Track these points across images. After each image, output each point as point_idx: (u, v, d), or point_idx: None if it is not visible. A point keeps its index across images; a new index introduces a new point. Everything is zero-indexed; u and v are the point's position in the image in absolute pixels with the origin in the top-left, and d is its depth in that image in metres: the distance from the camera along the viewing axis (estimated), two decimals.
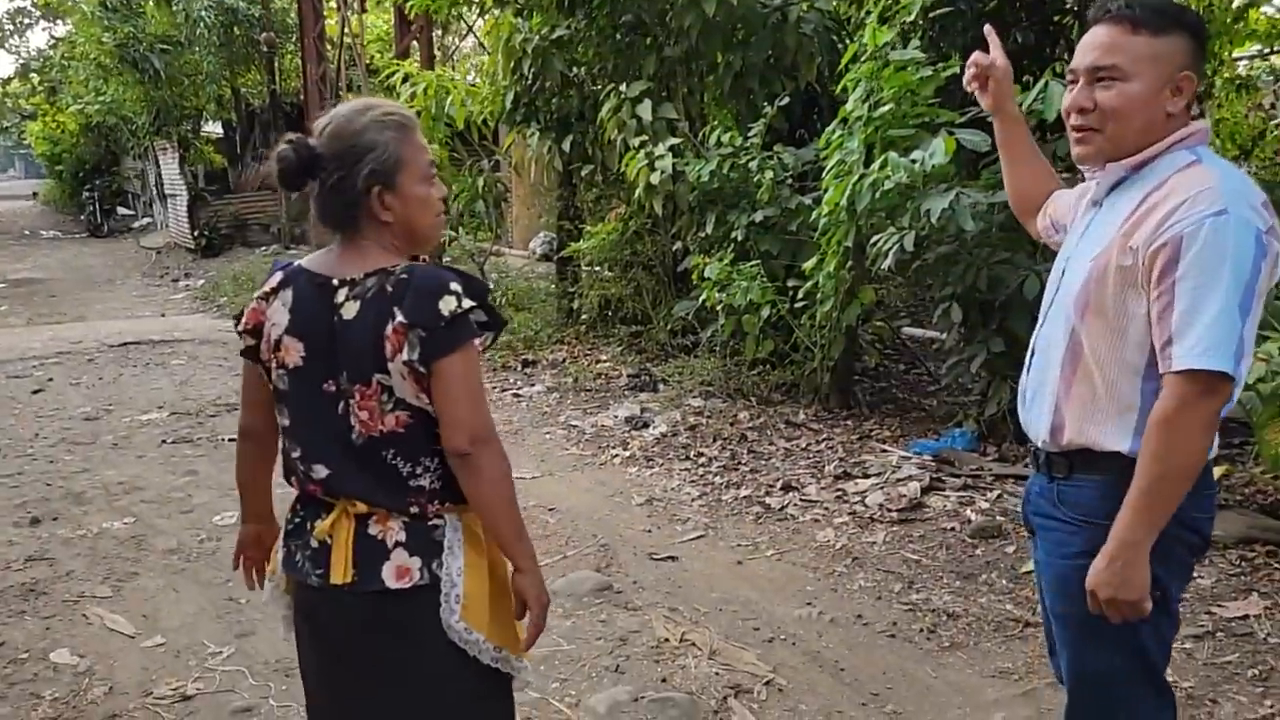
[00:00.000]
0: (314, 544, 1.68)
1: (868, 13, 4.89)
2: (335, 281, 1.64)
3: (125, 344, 9.01)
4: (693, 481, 4.87)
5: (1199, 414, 1.57)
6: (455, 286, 1.59)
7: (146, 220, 22.57)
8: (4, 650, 3.35)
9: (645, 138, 6.12)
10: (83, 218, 24.43)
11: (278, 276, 1.74)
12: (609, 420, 5.97)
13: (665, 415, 5.88)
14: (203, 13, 16.21)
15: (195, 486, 5.02)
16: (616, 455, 5.36)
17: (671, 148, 6.04)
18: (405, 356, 1.56)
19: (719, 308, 5.77)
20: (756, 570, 3.86)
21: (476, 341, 1.63)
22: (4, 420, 6.41)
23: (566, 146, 7.23)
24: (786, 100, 5.95)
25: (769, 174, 5.70)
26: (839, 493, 4.58)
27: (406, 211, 1.66)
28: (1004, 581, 3.64)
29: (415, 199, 1.67)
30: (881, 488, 4.53)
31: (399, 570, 1.62)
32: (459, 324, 1.57)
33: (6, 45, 30.88)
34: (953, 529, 4.11)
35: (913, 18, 4.73)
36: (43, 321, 10.92)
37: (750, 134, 5.95)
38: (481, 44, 13.11)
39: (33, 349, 8.85)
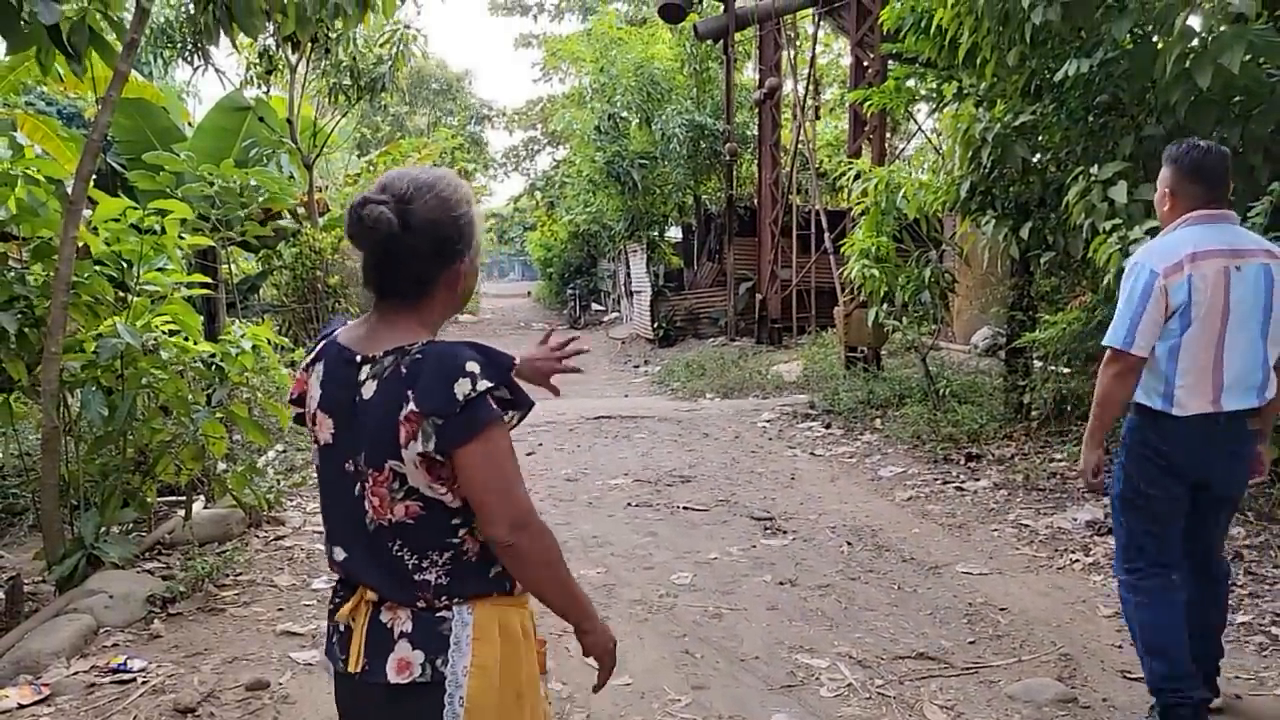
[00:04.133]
0: (340, 628, 1.62)
1: None
2: (359, 358, 1.57)
3: (598, 418, 10.21)
4: None
5: (1105, 371, 2.95)
6: (472, 367, 1.48)
7: (614, 315, 25.61)
8: None
9: (1118, 221, 5.68)
10: (565, 312, 28.55)
11: (319, 346, 1.70)
12: (1066, 523, 5.49)
13: None
14: (676, 130, 18.29)
15: (655, 546, 5.49)
16: (1076, 561, 4.91)
17: (1149, 231, 5.53)
18: (420, 447, 1.46)
19: None
20: (1261, 708, 3.28)
21: (505, 418, 1.54)
22: None
23: (1024, 233, 6.94)
24: None
25: None
26: None
27: (469, 280, 1.67)
28: None
29: (476, 267, 1.70)
30: None
31: (399, 664, 1.53)
32: (476, 408, 1.47)
33: (520, 168, 37.42)
34: None
35: None
36: (535, 397, 12.73)
37: (1251, 213, 5.25)
38: (929, 140, 13.15)
39: (529, 418, 10.36)
